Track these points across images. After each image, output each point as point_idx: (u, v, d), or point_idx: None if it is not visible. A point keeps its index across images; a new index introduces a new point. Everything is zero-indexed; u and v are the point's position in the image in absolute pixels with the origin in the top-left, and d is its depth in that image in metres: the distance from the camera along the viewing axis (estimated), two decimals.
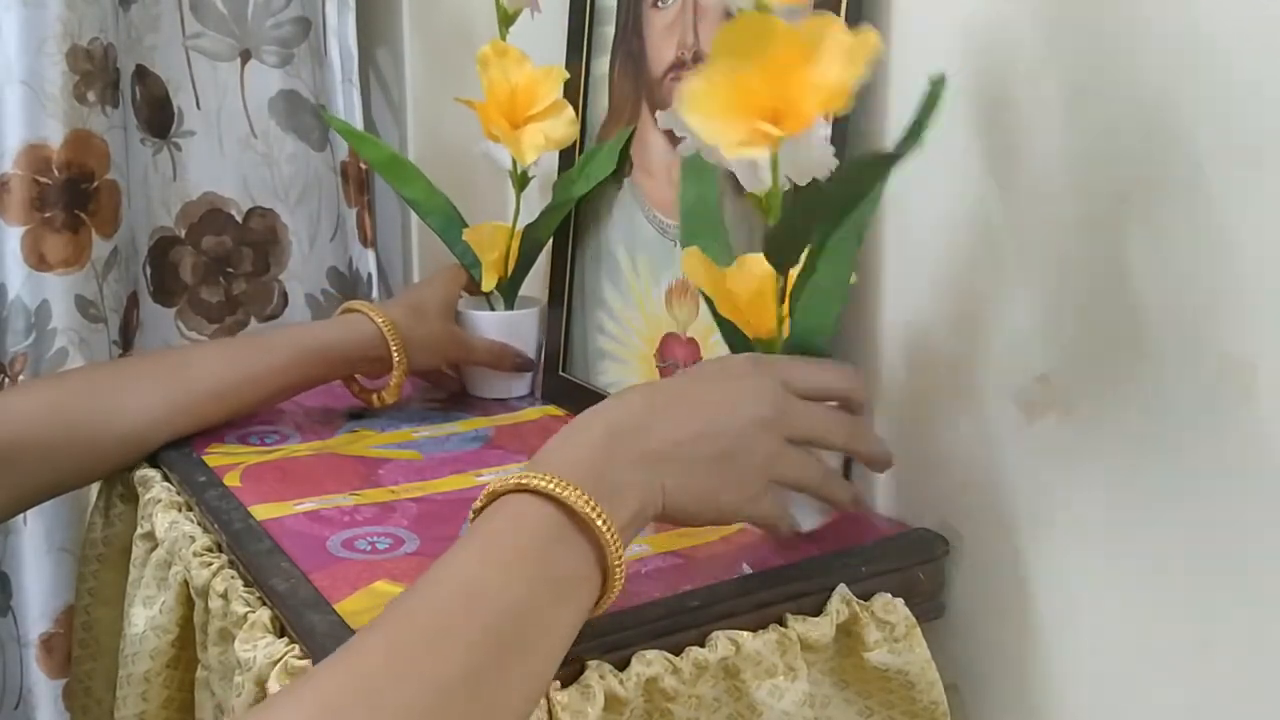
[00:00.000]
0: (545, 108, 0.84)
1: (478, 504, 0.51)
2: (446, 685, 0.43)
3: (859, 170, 0.54)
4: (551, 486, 0.48)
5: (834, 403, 0.59)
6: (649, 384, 0.56)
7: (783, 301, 0.59)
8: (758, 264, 0.59)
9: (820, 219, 0.55)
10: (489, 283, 0.90)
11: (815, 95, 0.51)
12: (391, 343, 0.84)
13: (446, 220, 0.93)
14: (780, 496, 0.55)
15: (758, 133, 0.51)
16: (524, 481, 0.49)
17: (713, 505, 0.54)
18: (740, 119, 0.52)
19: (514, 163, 0.88)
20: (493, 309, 0.93)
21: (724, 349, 0.73)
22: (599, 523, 0.48)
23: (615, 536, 0.48)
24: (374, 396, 0.87)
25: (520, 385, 0.93)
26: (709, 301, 0.63)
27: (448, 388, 0.94)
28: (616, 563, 0.49)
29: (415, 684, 0.42)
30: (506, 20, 0.87)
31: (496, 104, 0.85)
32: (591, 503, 0.48)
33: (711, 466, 0.53)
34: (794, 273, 0.58)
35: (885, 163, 0.53)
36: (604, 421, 0.52)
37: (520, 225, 0.90)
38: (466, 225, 0.91)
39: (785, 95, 0.51)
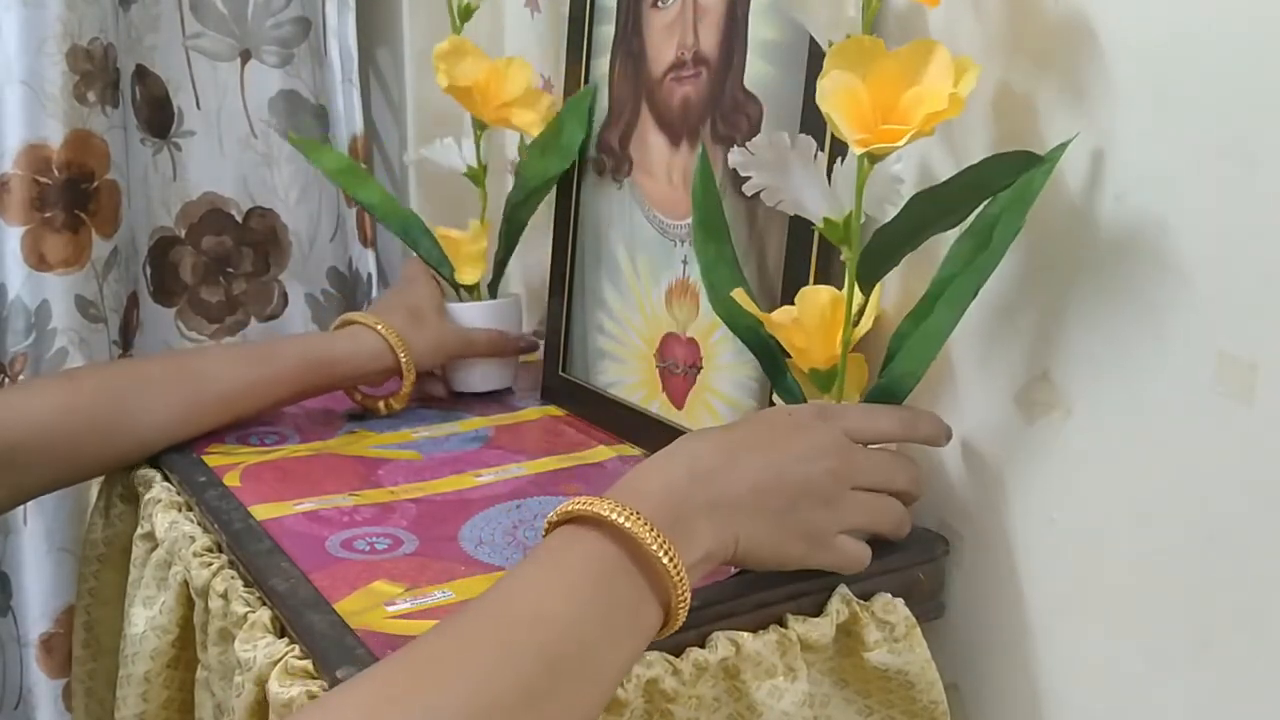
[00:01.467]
0: (520, 96, 0.87)
1: (553, 517, 0.51)
2: (501, 701, 0.43)
3: (989, 168, 0.53)
4: (623, 520, 0.48)
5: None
6: (726, 429, 0.57)
7: (855, 324, 0.60)
8: (820, 293, 0.60)
9: (932, 221, 0.55)
10: (471, 277, 0.91)
11: (920, 107, 0.53)
12: (400, 353, 0.84)
13: (404, 224, 0.93)
14: (850, 541, 0.57)
15: (884, 131, 0.53)
16: (598, 510, 0.49)
17: (783, 555, 0.55)
18: (860, 121, 0.54)
19: (477, 157, 0.90)
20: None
21: (724, 348, 0.73)
22: (665, 560, 0.48)
23: (681, 575, 0.49)
24: (381, 404, 0.87)
25: (504, 377, 0.93)
26: (747, 343, 0.65)
27: (432, 391, 0.94)
28: (680, 601, 0.49)
29: (471, 693, 0.43)
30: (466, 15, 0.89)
31: (480, 92, 0.87)
32: (661, 539, 0.48)
33: (783, 518, 0.54)
34: (860, 300, 0.60)
35: (1015, 163, 0.53)
36: (685, 461, 0.53)
37: (492, 218, 0.91)
38: (425, 227, 0.92)
39: (893, 107, 0.53)
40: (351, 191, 0.95)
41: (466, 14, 0.88)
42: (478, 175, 0.91)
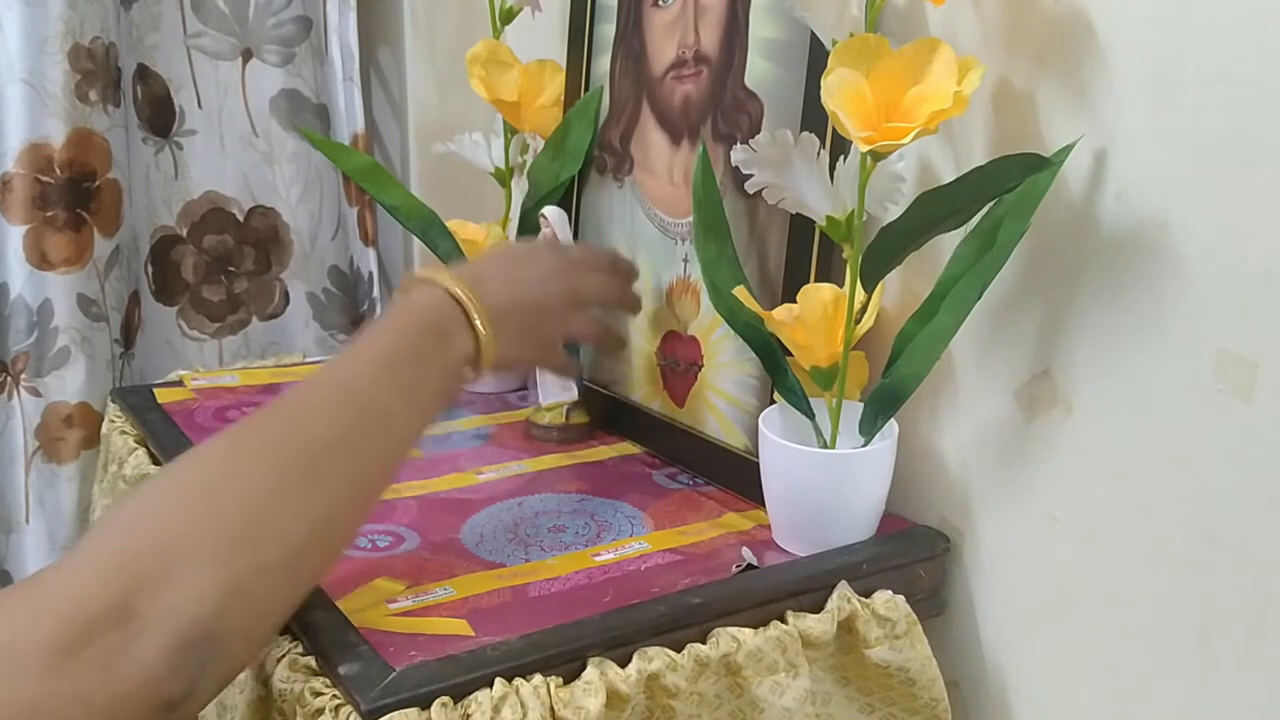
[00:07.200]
0: (554, 100, 0.87)
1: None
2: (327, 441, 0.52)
3: (996, 169, 0.53)
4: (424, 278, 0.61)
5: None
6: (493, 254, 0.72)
7: (857, 322, 0.60)
8: (823, 290, 0.61)
9: (939, 220, 0.56)
10: None
11: (924, 105, 0.53)
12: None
13: (427, 224, 0.93)
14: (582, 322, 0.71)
15: (889, 129, 0.53)
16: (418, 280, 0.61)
17: (527, 348, 0.67)
18: (865, 119, 0.54)
19: (505, 158, 0.89)
20: None
21: (725, 346, 0.73)
22: (460, 292, 0.59)
23: (471, 292, 0.60)
24: None
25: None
26: (748, 341, 0.65)
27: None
28: (477, 317, 0.59)
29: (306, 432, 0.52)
30: (507, 18, 0.87)
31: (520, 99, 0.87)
32: (460, 281, 0.60)
33: (527, 319, 0.66)
34: (862, 298, 0.60)
35: (1021, 164, 0.53)
36: (463, 271, 0.63)
37: (513, 220, 0.90)
38: (446, 228, 0.91)
39: (897, 105, 0.54)
40: (374, 193, 0.95)
41: (508, 17, 0.87)
42: (503, 176, 0.90)
